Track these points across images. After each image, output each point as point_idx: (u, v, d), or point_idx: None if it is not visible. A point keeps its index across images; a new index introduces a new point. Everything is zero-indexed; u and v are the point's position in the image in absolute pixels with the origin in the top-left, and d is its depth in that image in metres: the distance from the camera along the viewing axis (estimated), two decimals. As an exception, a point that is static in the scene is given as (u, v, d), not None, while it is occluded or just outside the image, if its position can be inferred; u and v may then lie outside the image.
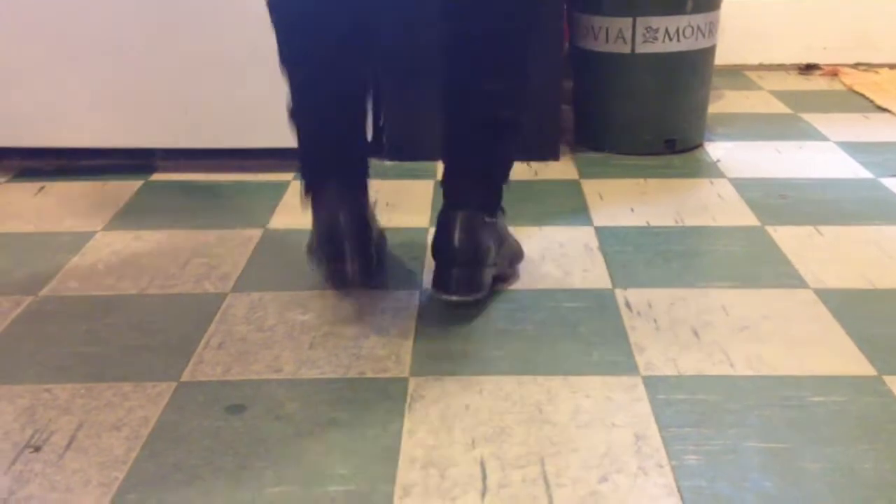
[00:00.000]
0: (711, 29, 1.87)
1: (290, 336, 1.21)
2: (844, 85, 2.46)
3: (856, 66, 2.64)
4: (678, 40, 1.83)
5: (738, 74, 2.60)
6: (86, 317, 1.27)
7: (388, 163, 1.87)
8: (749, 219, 1.58)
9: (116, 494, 0.91)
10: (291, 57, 1.24)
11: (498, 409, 1.05)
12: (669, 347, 1.17)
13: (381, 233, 1.42)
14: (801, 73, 2.61)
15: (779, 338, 1.19)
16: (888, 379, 1.10)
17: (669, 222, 1.57)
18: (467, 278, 1.23)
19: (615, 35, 1.84)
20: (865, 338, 1.19)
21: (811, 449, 0.97)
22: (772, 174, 1.79)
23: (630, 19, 1.82)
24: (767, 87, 2.46)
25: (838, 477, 0.93)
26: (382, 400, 1.07)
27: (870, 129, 2.07)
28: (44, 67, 1.74)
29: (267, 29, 1.25)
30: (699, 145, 1.97)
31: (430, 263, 1.36)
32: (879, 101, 2.27)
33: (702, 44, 1.86)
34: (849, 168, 1.82)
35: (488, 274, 1.27)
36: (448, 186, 1.26)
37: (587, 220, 1.58)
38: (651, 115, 1.89)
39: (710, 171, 1.82)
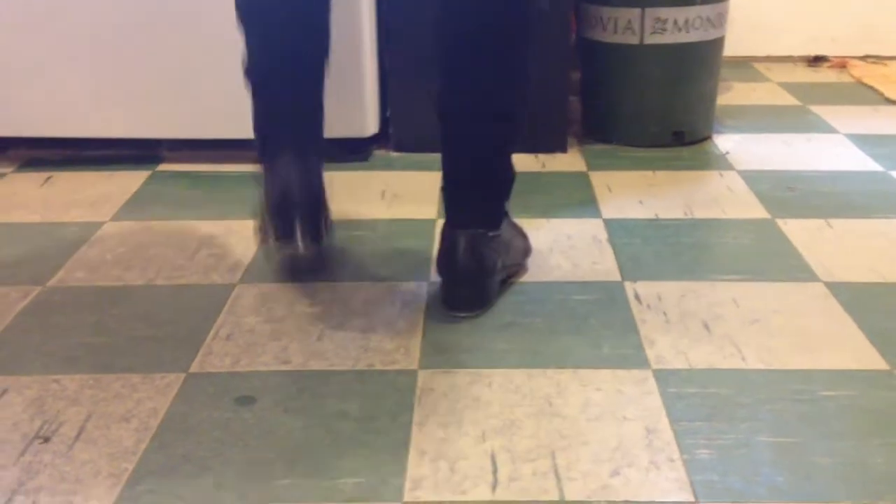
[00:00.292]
0: (720, 20, 1.86)
1: (298, 328, 1.21)
2: (853, 77, 2.45)
3: (864, 58, 2.62)
4: (687, 31, 1.82)
5: (745, 66, 2.58)
6: (93, 308, 1.26)
7: (394, 154, 1.87)
8: (759, 211, 1.57)
9: (126, 485, 0.91)
10: (247, 7, 1.21)
11: (508, 402, 1.04)
12: (680, 340, 1.17)
13: (331, 221, 1.35)
14: (809, 65, 2.59)
15: (790, 331, 1.19)
16: (900, 373, 1.09)
17: (679, 215, 1.56)
18: (474, 296, 1.23)
19: (624, 26, 1.83)
20: (877, 332, 1.18)
21: (823, 443, 0.97)
22: (781, 166, 1.78)
23: (639, 10, 1.81)
24: (776, 78, 2.45)
25: (850, 471, 0.93)
26: (391, 392, 1.06)
27: (879, 121, 2.06)
28: (51, 58, 1.73)
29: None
30: (708, 137, 1.96)
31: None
32: (889, 94, 2.25)
33: (711, 35, 1.85)
34: (858, 161, 1.81)
35: (495, 282, 1.26)
36: (449, 201, 1.23)
37: (596, 213, 1.57)
38: (659, 107, 1.88)
39: (720, 163, 1.81)
